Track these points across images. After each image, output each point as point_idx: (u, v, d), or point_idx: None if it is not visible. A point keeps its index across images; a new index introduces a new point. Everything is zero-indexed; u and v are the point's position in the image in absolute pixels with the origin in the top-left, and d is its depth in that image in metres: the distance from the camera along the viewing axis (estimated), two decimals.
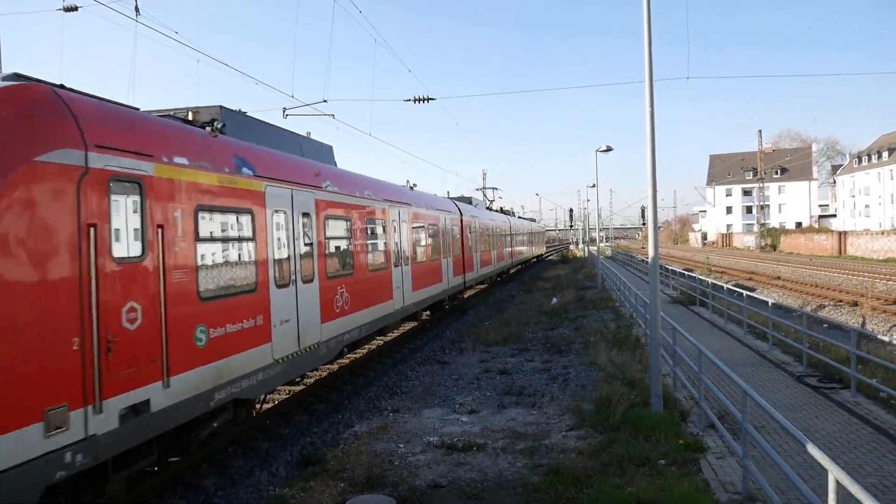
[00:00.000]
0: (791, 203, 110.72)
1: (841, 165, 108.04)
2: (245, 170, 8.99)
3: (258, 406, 10.78)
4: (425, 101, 19.59)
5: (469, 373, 14.04)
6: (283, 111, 18.09)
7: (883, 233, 62.73)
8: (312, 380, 13.38)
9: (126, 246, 6.57)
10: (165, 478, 8.05)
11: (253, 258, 8.97)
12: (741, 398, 7.23)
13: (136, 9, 10.73)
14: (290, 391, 12.46)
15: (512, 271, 43.89)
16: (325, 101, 18.20)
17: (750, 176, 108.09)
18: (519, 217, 53.87)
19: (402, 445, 9.26)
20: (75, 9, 13.84)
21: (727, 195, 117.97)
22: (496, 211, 42.53)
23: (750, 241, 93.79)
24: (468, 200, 31.57)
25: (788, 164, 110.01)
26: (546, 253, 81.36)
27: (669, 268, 35.13)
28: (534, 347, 16.92)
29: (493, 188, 50.82)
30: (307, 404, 11.82)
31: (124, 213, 6.57)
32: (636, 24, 10.36)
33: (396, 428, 10.13)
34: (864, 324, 24.75)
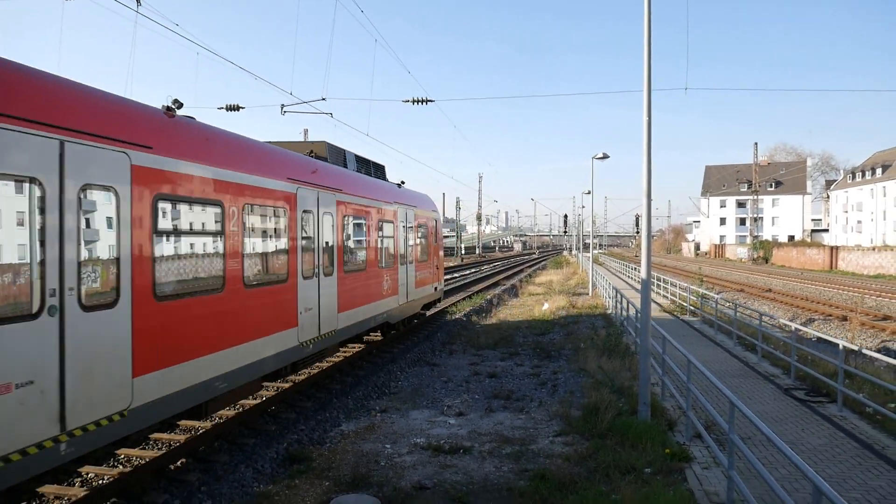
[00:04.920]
0: (784, 216, 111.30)
1: (835, 181, 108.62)
2: None
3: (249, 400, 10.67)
4: (424, 103, 19.60)
5: (458, 375, 14.04)
6: (282, 108, 18.09)
7: (874, 249, 63.14)
8: (301, 377, 13.33)
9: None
10: (149, 472, 8.01)
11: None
12: (728, 409, 7.25)
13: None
14: (277, 388, 12.40)
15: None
16: (323, 98, 18.21)
17: (745, 188, 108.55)
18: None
19: (388, 446, 9.25)
20: None
21: (721, 206, 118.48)
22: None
23: (742, 252, 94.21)
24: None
25: (783, 177, 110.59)
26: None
27: (664, 278, 35.25)
28: (524, 352, 16.92)
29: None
30: (294, 401, 11.78)
31: None
32: (636, 34, 10.39)
33: (384, 428, 10.11)
34: (852, 339, 24.84)
